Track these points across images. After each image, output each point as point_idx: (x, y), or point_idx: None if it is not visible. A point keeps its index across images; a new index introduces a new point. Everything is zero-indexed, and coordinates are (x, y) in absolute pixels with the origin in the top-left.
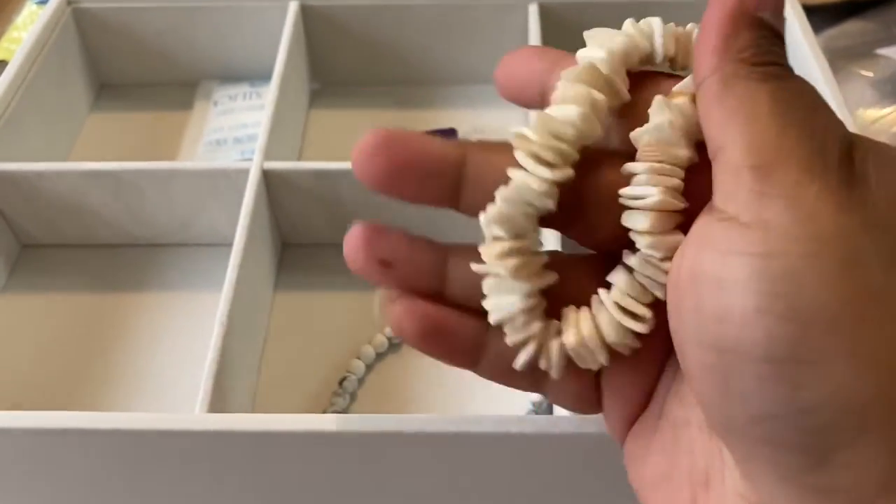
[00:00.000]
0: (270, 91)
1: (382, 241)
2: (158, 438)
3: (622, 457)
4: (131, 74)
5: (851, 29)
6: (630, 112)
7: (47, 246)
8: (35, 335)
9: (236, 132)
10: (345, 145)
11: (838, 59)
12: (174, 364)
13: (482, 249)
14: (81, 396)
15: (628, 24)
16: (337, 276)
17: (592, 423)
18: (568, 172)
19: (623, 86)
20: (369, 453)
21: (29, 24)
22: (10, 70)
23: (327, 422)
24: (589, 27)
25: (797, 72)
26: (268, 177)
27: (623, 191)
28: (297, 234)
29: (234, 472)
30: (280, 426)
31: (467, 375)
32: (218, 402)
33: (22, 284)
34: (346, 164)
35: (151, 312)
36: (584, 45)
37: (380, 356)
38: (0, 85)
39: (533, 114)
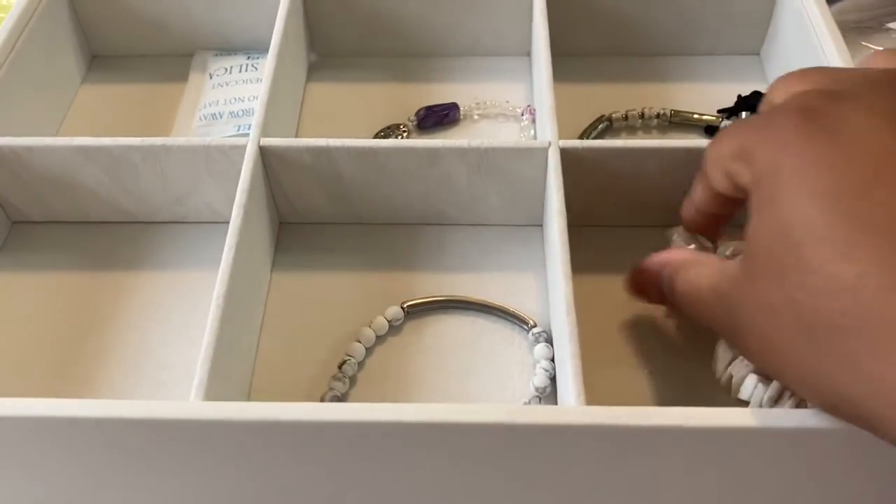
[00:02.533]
0: (267, 65)
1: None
2: (153, 427)
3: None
4: (124, 45)
5: (863, 2)
6: None
7: (38, 223)
8: (25, 314)
9: (232, 106)
10: (343, 119)
11: (848, 33)
12: (168, 344)
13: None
14: (73, 377)
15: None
16: (336, 255)
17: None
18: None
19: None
20: (369, 443)
21: None
22: None
23: (329, 411)
24: (595, 1)
25: (809, 48)
26: (265, 153)
27: None
28: (295, 213)
29: (230, 461)
30: (278, 416)
31: (467, 357)
32: (214, 388)
33: (12, 262)
34: (344, 141)
35: (145, 291)
36: (591, 15)
37: (380, 339)
38: None
39: (544, 90)
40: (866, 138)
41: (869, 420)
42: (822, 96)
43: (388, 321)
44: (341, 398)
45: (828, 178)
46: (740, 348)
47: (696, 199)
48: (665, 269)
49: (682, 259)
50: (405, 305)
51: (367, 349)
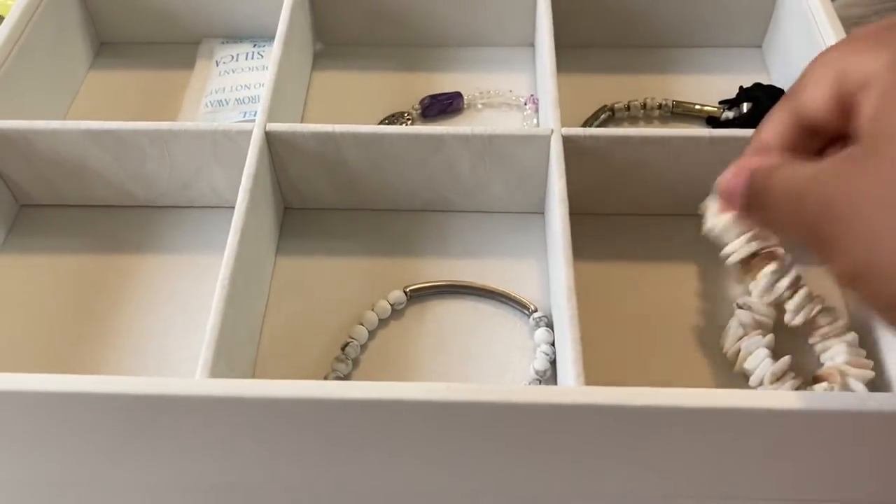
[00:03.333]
0: (273, 52)
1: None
2: (159, 403)
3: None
4: (132, 32)
5: None
6: None
7: (46, 206)
8: (33, 296)
9: (238, 93)
10: (348, 107)
11: (850, 27)
12: (174, 326)
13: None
14: (80, 358)
15: None
16: (340, 240)
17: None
18: None
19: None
20: (371, 421)
21: None
22: (5, 26)
23: (331, 389)
24: None
25: (811, 40)
26: (270, 138)
27: None
28: (300, 198)
29: (234, 438)
30: (281, 392)
31: (468, 341)
32: (219, 368)
33: (20, 245)
34: (349, 127)
35: (151, 274)
36: (594, 7)
37: (382, 322)
38: None
39: (547, 80)
40: None
41: None
42: None
43: (391, 305)
44: (343, 379)
45: None
46: (837, 245)
47: (767, 132)
48: (755, 173)
49: (772, 161)
50: (408, 289)
51: (369, 332)
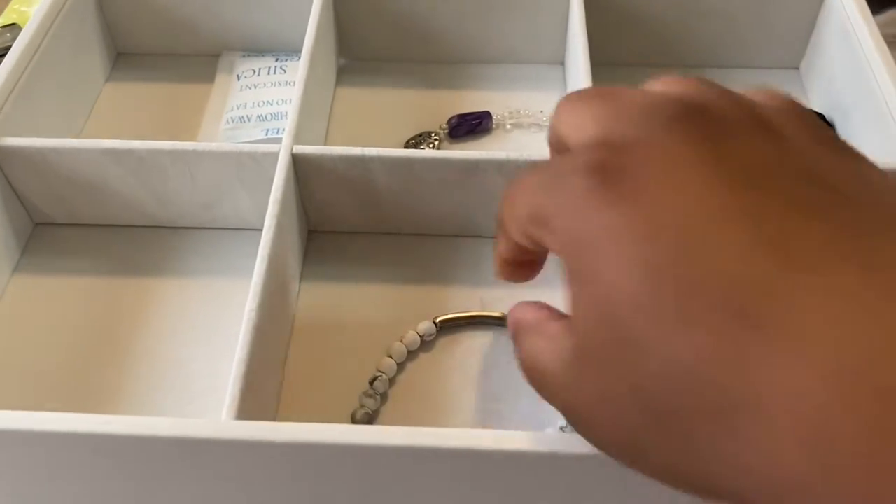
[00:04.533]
0: (300, 71)
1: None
2: (183, 445)
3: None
4: (150, 43)
5: None
6: None
7: (62, 225)
8: (48, 319)
9: (260, 109)
10: (373, 125)
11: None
12: (194, 353)
13: None
14: (95, 386)
15: None
16: (366, 266)
17: None
18: None
19: None
20: (406, 466)
21: None
22: (23, 37)
23: (372, 434)
24: (634, 7)
25: (854, 62)
26: (297, 161)
27: None
28: (325, 221)
29: (259, 479)
30: (314, 437)
31: (501, 378)
32: (245, 405)
33: (35, 265)
34: (379, 150)
35: (170, 298)
36: (628, 25)
37: (411, 354)
38: (13, 53)
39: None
40: (670, 195)
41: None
42: (612, 149)
43: (420, 336)
44: (372, 415)
45: (641, 249)
46: (593, 442)
47: (504, 253)
48: (511, 328)
49: (526, 322)
50: (438, 321)
51: (398, 365)
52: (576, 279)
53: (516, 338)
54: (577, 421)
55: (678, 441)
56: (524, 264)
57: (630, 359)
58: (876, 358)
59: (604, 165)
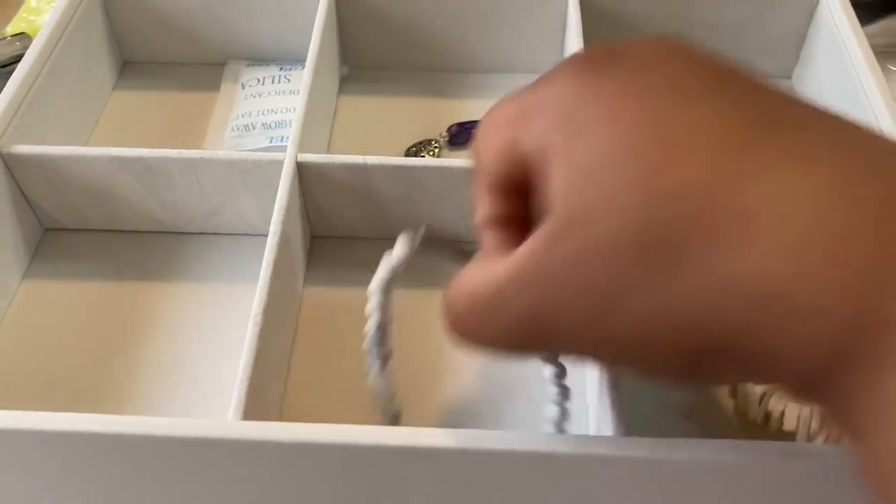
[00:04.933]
0: (304, 80)
1: None
2: (190, 445)
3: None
4: (156, 52)
5: (890, 26)
6: None
7: (71, 230)
8: (57, 323)
9: (265, 117)
10: (375, 133)
11: (876, 57)
12: (200, 356)
13: None
14: (103, 387)
15: None
16: (368, 271)
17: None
18: None
19: None
20: (412, 465)
21: None
22: (34, 47)
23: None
24: (629, 17)
25: (843, 71)
26: (301, 169)
27: None
28: (328, 227)
29: (265, 479)
30: (320, 437)
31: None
32: (252, 407)
33: (45, 270)
34: (381, 158)
35: (177, 302)
36: (624, 35)
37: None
38: (25, 63)
39: None
40: (653, 60)
41: (735, 340)
42: (595, 52)
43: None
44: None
45: (634, 109)
46: (561, 307)
47: (485, 208)
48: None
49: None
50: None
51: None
52: (560, 162)
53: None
54: (538, 323)
55: (662, 271)
56: (510, 222)
57: (623, 202)
58: (865, 172)
59: (588, 58)
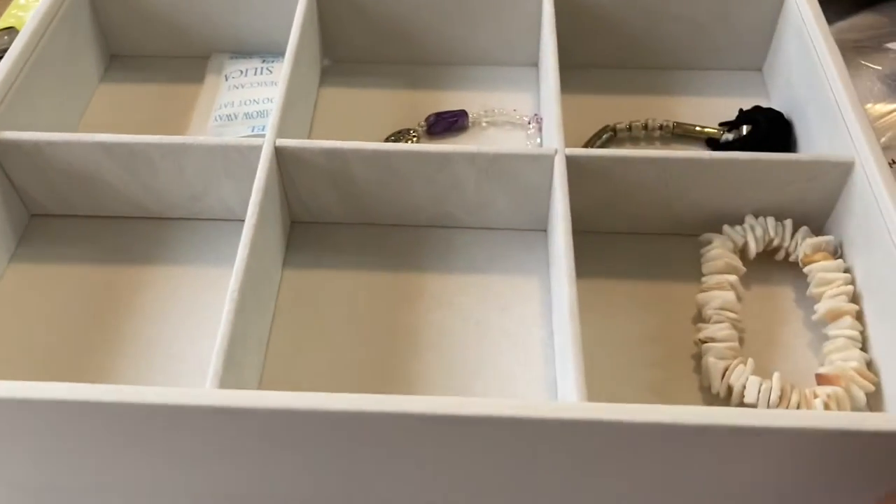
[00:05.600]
0: (283, 69)
1: None
2: (168, 413)
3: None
4: (142, 46)
5: (862, 22)
6: None
7: (56, 216)
8: (43, 305)
9: (247, 107)
10: (355, 123)
11: (847, 52)
12: (181, 337)
13: None
14: (87, 367)
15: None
16: (346, 254)
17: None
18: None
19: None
20: (382, 432)
21: None
22: (21, 38)
23: (349, 401)
24: (603, 12)
25: (810, 65)
26: (280, 154)
27: None
28: (307, 212)
29: (243, 449)
30: (292, 404)
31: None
32: (228, 379)
33: (31, 254)
34: (357, 144)
35: (159, 285)
36: (598, 29)
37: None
38: (11, 53)
39: (552, 100)
40: None
41: None
42: None
43: None
44: None
45: None
46: None
47: None
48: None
49: None
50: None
51: None
52: None
53: None
54: None
55: None
56: None
57: None
58: None
59: None
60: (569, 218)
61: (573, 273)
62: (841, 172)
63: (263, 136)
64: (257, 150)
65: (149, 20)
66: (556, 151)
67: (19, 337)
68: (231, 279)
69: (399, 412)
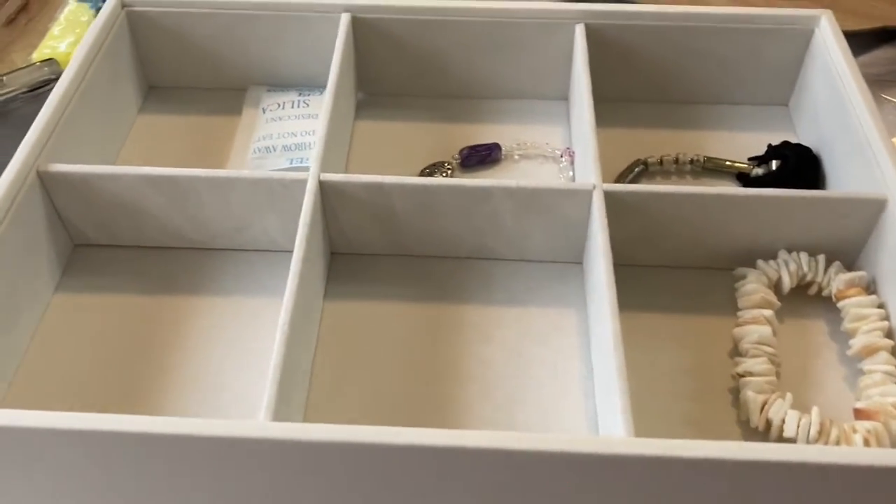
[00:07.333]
0: (325, 104)
1: None
2: (222, 445)
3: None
4: (179, 77)
5: (883, 56)
6: None
7: (100, 246)
8: (88, 335)
9: (285, 140)
10: (390, 155)
11: (869, 85)
12: (226, 369)
13: None
14: (131, 397)
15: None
16: (385, 285)
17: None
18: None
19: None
20: (440, 467)
21: (71, 22)
22: (69, 71)
23: (409, 435)
24: (633, 47)
25: (837, 100)
26: (324, 188)
27: None
28: (348, 244)
29: (292, 479)
30: (350, 437)
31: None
32: (281, 410)
33: (75, 284)
34: (399, 178)
35: (203, 315)
36: (628, 64)
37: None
38: (60, 86)
39: (587, 134)
40: None
41: None
42: None
43: None
44: None
45: None
46: None
47: None
48: None
49: None
50: None
51: None
52: None
53: None
54: None
55: None
56: None
57: None
58: None
59: None
60: (609, 253)
61: (616, 307)
62: (874, 209)
63: (302, 167)
64: (302, 183)
65: (187, 52)
66: (594, 187)
67: (65, 366)
68: (281, 312)
69: (458, 447)
